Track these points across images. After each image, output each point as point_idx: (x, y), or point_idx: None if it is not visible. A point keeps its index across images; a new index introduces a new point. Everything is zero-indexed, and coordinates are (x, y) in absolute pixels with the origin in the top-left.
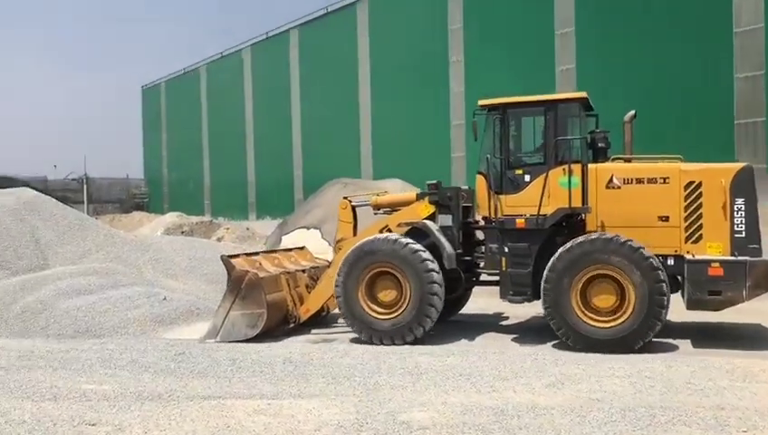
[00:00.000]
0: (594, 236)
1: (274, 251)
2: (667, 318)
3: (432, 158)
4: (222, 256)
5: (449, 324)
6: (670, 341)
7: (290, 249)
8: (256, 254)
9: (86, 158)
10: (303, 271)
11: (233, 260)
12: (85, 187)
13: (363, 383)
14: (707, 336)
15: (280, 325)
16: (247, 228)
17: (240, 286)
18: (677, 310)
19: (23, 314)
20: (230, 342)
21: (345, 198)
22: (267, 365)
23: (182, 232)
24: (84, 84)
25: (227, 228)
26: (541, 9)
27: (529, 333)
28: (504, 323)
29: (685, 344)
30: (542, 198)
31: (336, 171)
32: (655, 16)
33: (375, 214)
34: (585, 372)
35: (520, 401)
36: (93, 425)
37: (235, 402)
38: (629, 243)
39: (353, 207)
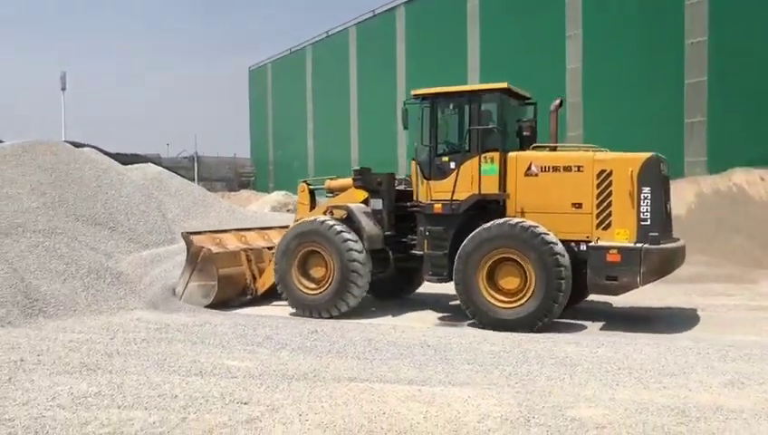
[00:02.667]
0: (500, 221)
1: (251, 229)
2: None
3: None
4: (182, 233)
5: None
6: None
7: (271, 227)
8: (226, 231)
9: (197, 137)
10: (270, 248)
11: (192, 236)
12: (196, 165)
13: (514, 373)
14: None
15: (237, 297)
16: None
17: (196, 260)
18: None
19: (151, 285)
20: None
21: (304, 181)
22: (406, 348)
23: (287, 210)
24: (198, 69)
25: None
26: None
27: (659, 323)
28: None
29: None
30: (455, 184)
31: None
32: None
33: (326, 196)
34: (762, 371)
35: (700, 402)
36: (245, 404)
37: (384, 387)
38: (531, 228)
39: (311, 190)
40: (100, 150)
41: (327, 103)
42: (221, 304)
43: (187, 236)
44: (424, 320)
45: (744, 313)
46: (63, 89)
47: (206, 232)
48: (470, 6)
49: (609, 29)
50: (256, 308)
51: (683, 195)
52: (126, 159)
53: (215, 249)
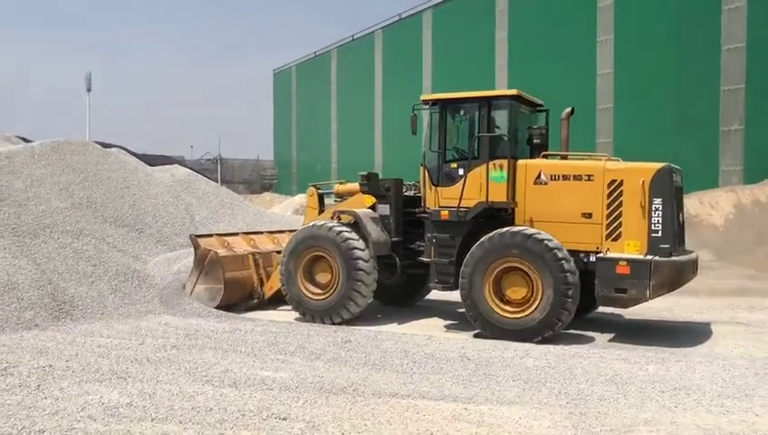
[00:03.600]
0: (508, 230)
1: (260, 232)
2: None
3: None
4: (190, 236)
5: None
6: None
7: (282, 231)
8: (236, 235)
9: (220, 140)
10: (279, 252)
11: (199, 239)
12: (219, 167)
13: (564, 391)
14: None
15: (244, 300)
16: None
17: (204, 263)
18: None
19: (178, 289)
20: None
21: (313, 185)
22: (445, 362)
23: None
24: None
25: None
26: None
27: (702, 336)
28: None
29: None
30: (462, 191)
31: None
32: None
33: (335, 201)
34: None
35: None
36: (284, 419)
37: (428, 404)
38: (539, 238)
39: (320, 195)
40: (128, 151)
41: (351, 107)
42: (227, 307)
43: (194, 238)
44: (431, 327)
45: None
46: (89, 90)
47: (214, 234)
48: (498, 10)
49: (642, 34)
50: (261, 313)
51: (720, 204)
52: (153, 160)
53: (222, 252)
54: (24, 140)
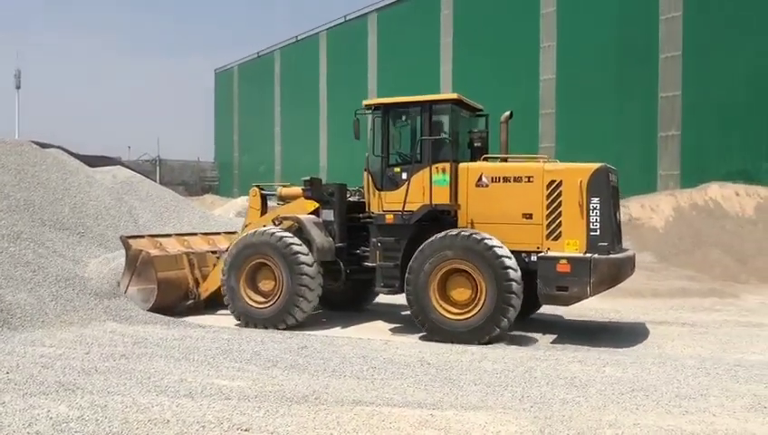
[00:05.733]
0: (451, 232)
1: (194, 234)
2: None
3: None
4: (121, 237)
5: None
6: None
7: (217, 233)
8: (169, 236)
9: (159, 140)
10: (214, 252)
11: (131, 240)
12: (158, 168)
13: (526, 395)
14: None
15: (179, 301)
16: None
17: (135, 264)
18: None
19: (123, 295)
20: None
21: (256, 185)
22: (405, 366)
23: None
24: (157, 69)
25: None
26: None
27: (650, 337)
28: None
29: None
30: (406, 195)
31: None
32: None
33: (278, 204)
34: None
35: (730, 428)
36: (246, 430)
37: (393, 411)
38: (482, 239)
39: (263, 195)
40: (68, 151)
41: (296, 108)
42: (163, 309)
43: (125, 240)
44: (376, 331)
45: (738, 329)
46: (18, 87)
47: (146, 235)
48: (444, 15)
49: (583, 41)
50: (208, 318)
51: (660, 208)
52: (94, 161)
53: (153, 252)
54: None
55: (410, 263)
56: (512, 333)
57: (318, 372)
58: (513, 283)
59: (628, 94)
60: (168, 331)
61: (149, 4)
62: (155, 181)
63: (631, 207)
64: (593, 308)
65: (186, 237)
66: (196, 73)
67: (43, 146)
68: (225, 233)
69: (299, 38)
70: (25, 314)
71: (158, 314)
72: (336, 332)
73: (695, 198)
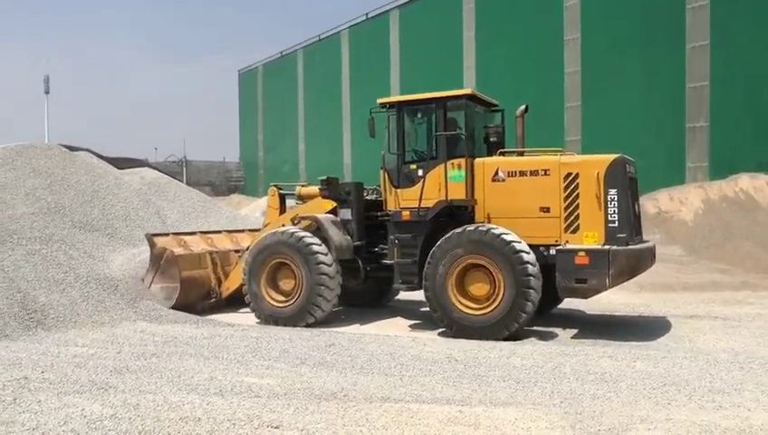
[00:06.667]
0: (469, 227)
1: (219, 232)
2: None
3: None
4: (146, 235)
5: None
6: None
7: (241, 230)
8: (194, 234)
9: (185, 141)
10: (237, 251)
11: (155, 238)
12: (184, 169)
13: (555, 391)
14: None
15: (201, 300)
16: None
17: (159, 262)
18: None
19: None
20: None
21: (274, 185)
22: (432, 363)
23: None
24: (185, 71)
25: None
26: None
27: (681, 331)
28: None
29: None
30: (422, 191)
31: None
32: None
33: (296, 203)
34: None
35: (766, 423)
36: (276, 427)
37: (421, 407)
38: (500, 234)
39: (281, 195)
40: (96, 154)
41: (319, 107)
42: (184, 307)
43: (150, 237)
44: (397, 327)
45: None
46: (47, 92)
47: (171, 233)
48: (466, 10)
49: (608, 33)
50: (233, 316)
51: (689, 200)
52: (121, 162)
53: (177, 251)
54: None
55: (428, 259)
56: (533, 328)
57: (346, 369)
58: (532, 278)
59: (654, 86)
60: (198, 330)
61: (177, 7)
62: (182, 182)
63: (660, 200)
64: (623, 303)
65: (210, 235)
66: (220, 74)
67: (72, 149)
68: (248, 230)
69: (321, 37)
70: (58, 314)
71: (187, 314)
72: (355, 328)
73: (724, 189)
